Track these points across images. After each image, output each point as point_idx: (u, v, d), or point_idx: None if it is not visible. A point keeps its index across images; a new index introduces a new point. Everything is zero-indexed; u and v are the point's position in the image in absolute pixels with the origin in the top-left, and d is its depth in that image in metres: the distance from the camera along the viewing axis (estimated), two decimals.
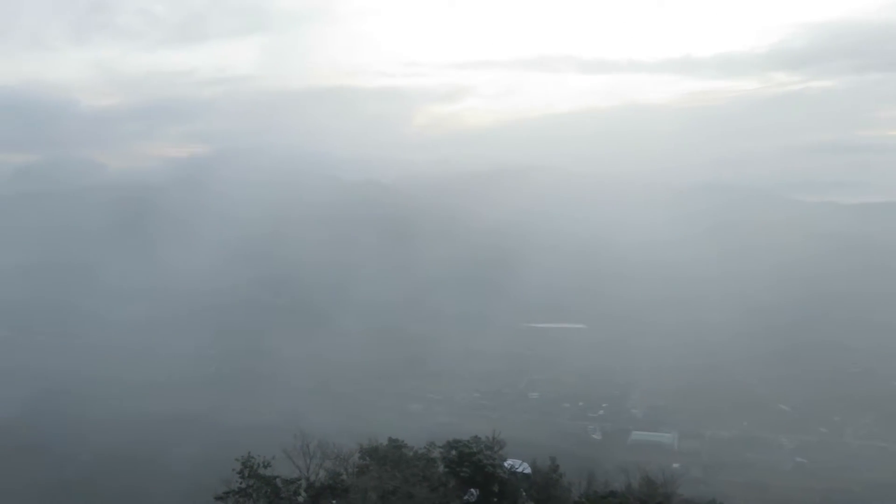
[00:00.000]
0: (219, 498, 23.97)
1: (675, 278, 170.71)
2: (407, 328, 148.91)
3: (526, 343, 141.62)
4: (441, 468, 26.82)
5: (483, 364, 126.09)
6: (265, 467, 24.48)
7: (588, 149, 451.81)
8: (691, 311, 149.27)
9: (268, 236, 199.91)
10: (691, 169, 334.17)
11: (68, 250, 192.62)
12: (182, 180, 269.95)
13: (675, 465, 70.46)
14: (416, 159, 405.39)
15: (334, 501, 24.87)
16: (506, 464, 28.20)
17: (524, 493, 28.76)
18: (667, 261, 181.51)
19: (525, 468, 29.24)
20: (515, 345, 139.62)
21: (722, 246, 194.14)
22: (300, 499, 25.08)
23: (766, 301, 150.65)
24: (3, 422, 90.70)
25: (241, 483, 24.08)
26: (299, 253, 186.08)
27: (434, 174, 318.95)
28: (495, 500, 27.74)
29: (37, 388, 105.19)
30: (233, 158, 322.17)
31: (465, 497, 27.00)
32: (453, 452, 27.27)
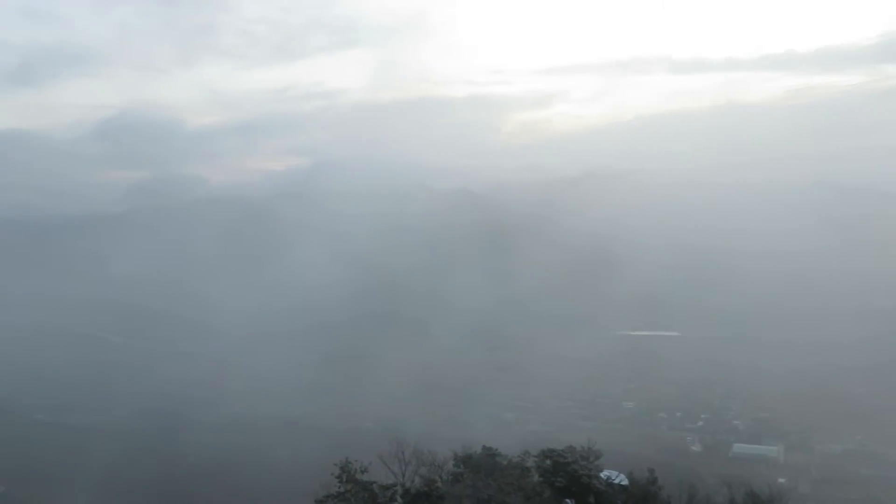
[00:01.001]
0: (318, 501, 24.49)
1: (781, 283, 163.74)
2: (502, 335, 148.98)
3: (622, 350, 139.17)
4: (535, 477, 26.55)
5: (578, 371, 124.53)
6: (362, 472, 24.90)
7: (683, 151, 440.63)
8: (800, 317, 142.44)
9: (366, 245, 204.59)
10: (797, 168, 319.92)
11: (179, 261, 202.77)
12: (281, 192, 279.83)
13: (782, 480, 67.60)
14: (506, 166, 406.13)
15: None
16: (602, 474, 27.64)
17: None
18: (772, 265, 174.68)
19: (622, 479, 28.57)
20: (611, 352, 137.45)
21: (834, 248, 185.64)
22: None
23: (884, 305, 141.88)
24: (117, 423, 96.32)
25: (339, 487, 24.56)
26: (398, 261, 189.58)
27: (525, 181, 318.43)
28: None
29: (149, 393, 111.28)
30: (329, 170, 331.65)
31: None
32: (548, 462, 26.93)
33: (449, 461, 27.89)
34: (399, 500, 26.12)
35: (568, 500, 27.45)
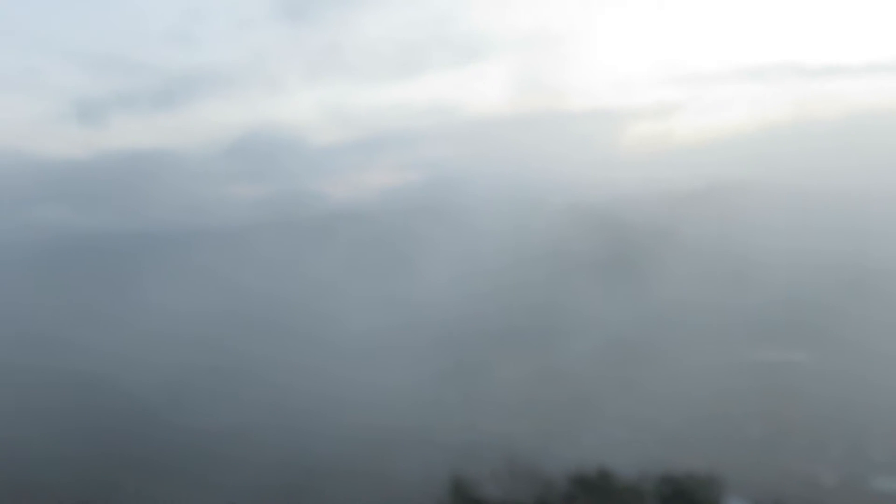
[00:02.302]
0: None
1: None
2: (623, 351, 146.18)
3: (749, 371, 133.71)
4: (651, 503, 25.69)
5: (701, 392, 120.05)
6: (475, 488, 24.87)
7: (816, 161, 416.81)
8: None
9: (486, 259, 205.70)
10: None
11: (300, 275, 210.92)
12: (401, 208, 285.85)
13: None
14: (628, 179, 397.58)
15: None
16: None
17: None
18: None
19: None
20: (738, 372, 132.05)
21: None
22: None
23: None
24: (243, 429, 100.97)
25: (451, 502, 24.66)
26: (518, 275, 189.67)
27: (648, 194, 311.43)
28: None
29: (272, 401, 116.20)
30: (449, 185, 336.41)
31: None
32: (668, 487, 26.04)
33: (562, 480, 27.39)
34: None
35: None
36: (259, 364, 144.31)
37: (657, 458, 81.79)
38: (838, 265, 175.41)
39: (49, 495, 70.81)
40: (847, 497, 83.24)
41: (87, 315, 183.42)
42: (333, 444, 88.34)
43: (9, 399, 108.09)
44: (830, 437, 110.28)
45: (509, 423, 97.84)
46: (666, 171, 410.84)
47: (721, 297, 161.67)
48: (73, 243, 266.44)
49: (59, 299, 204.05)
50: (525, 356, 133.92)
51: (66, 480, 76.30)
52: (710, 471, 26.42)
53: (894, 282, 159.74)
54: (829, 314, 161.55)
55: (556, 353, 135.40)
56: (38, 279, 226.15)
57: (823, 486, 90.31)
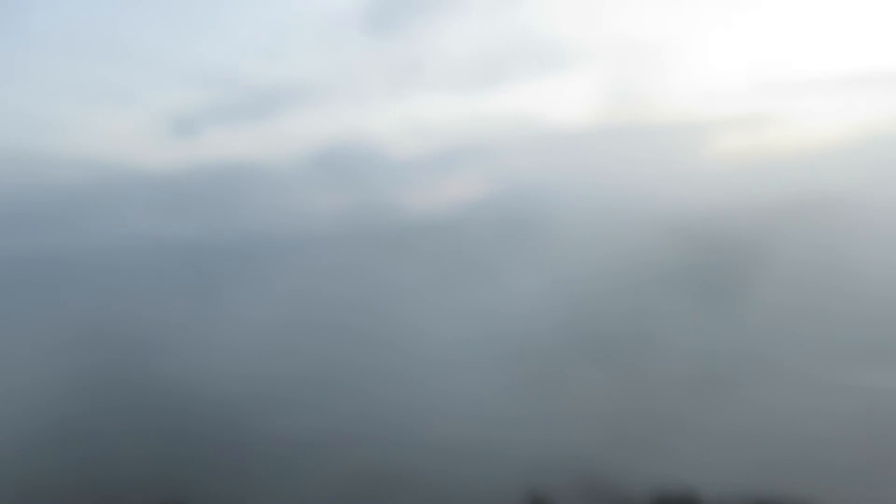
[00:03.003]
0: None
1: None
2: (712, 369, 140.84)
3: (845, 398, 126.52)
4: None
5: (790, 415, 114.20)
6: (550, 503, 23.63)
7: None
8: None
9: (570, 273, 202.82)
10: None
11: (382, 284, 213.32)
12: (483, 219, 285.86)
13: None
14: (719, 192, 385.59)
15: None
16: None
17: None
18: None
19: None
20: (832, 396, 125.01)
21: None
22: None
23: None
24: (311, 436, 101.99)
25: None
26: (602, 289, 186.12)
27: (740, 207, 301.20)
28: None
29: (354, 411, 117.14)
30: (531, 197, 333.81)
31: None
32: None
33: (643, 498, 25.79)
34: None
35: None
36: (340, 373, 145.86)
37: (745, 481, 77.92)
38: None
39: (133, 492, 73.24)
40: None
41: (176, 321, 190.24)
42: (409, 454, 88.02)
43: (97, 399, 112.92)
44: None
45: (589, 438, 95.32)
46: (759, 183, 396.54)
47: (816, 315, 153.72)
48: (166, 252, 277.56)
49: (151, 306, 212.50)
50: (608, 370, 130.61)
51: (148, 479, 78.83)
52: (801, 497, 24.28)
53: None
54: None
55: (640, 368, 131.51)
56: (133, 286, 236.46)
57: None
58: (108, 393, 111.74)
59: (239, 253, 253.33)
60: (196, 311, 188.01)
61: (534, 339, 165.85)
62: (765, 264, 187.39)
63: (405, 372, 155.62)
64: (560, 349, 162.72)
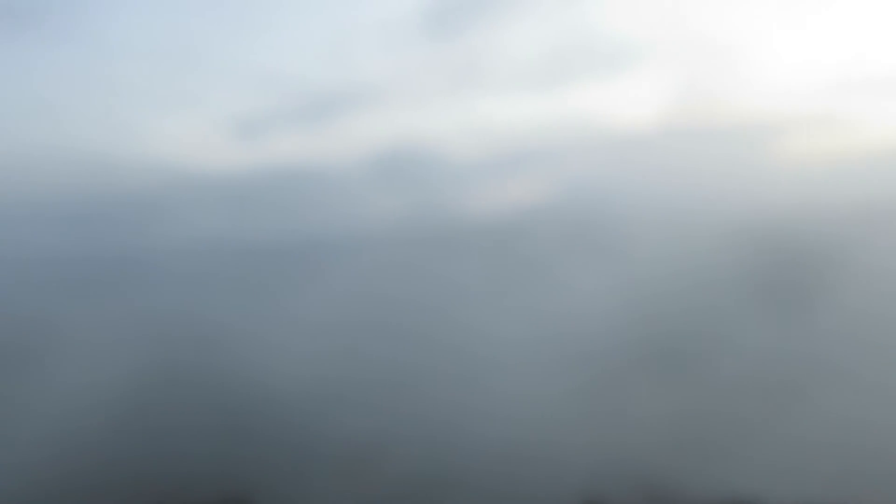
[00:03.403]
0: None
1: None
2: (782, 375, 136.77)
3: None
4: None
5: (865, 425, 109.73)
6: None
7: None
8: None
9: (635, 276, 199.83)
10: None
11: (442, 286, 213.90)
12: (545, 222, 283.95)
13: None
14: (792, 196, 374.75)
15: None
16: None
17: None
18: None
19: None
20: None
21: None
22: None
23: None
24: (368, 437, 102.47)
25: None
26: (668, 293, 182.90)
27: (814, 211, 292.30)
28: None
29: (413, 412, 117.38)
30: (593, 200, 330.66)
31: None
32: None
33: None
34: None
35: None
36: (399, 374, 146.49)
37: (812, 489, 75.13)
38: None
39: (195, 488, 74.97)
40: None
41: (240, 323, 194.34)
42: (465, 457, 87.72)
43: (163, 397, 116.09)
44: None
45: (650, 443, 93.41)
46: (831, 185, 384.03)
47: (889, 322, 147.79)
48: (231, 254, 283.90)
49: (216, 307, 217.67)
50: (672, 373, 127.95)
51: (210, 476, 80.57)
52: None
53: None
54: None
55: (705, 373, 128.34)
56: (200, 287, 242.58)
57: None
58: (173, 392, 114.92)
59: (301, 255, 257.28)
60: (260, 313, 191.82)
61: (596, 341, 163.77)
62: (836, 268, 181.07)
63: (464, 373, 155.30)
64: (623, 351, 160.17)
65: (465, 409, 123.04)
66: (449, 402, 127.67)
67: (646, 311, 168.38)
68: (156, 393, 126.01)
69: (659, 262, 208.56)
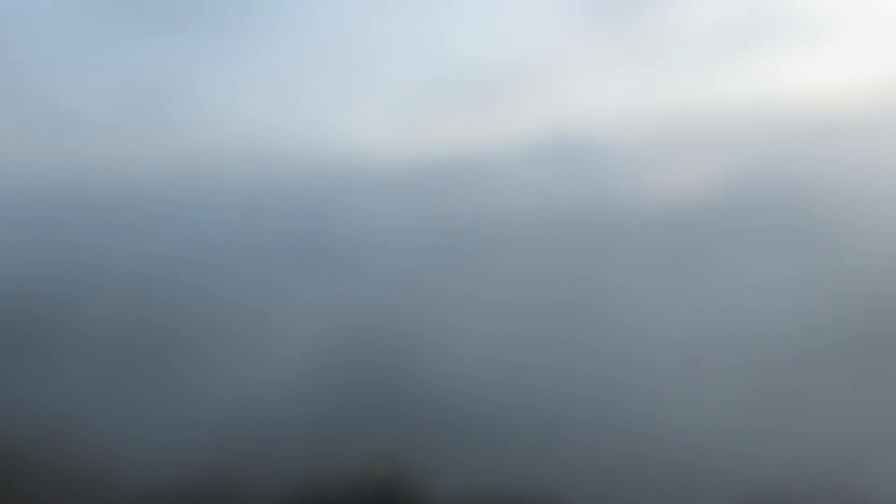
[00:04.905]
0: None
1: None
2: None
3: None
4: None
5: None
6: None
7: None
8: None
9: (831, 271, 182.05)
10: None
11: (606, 285, 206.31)
12: (720, 213, 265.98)
13: None
14: None
15: None
16: None
17: None
18: None
19: None
20: None
21: None
22: None
23: None
24: (534, 426, 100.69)
25: None
26: (877, 290, 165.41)
27: None
28: None
29: (565, 415, 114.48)
30: (778, 186, 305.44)
31: None
32: None
33: None
34: None
35: None
36: (560, 384, 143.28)
37: None
38: None
39: (363, 469, 76.18)
40: None
41: (420, 307, 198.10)
42: (631, 462, 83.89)
43: (338, 379, 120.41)
44: None
45: (835, 457, 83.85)
46: None
47: None
48: (400, 240, 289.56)
49: (392, 292, 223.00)
50: (870, 382, 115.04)
51: (377, 456, 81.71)
52: None
53: None
54: None
55: None
56: (374, 274, 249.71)
57: None
58: (347, 373, 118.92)
59: (465, 241, 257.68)
60: (434, 294, 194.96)
61: (783, 344, 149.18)
62: None
63: (632, 377, 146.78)
64: (814, 356, 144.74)
65: (632, 414, 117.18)
66: (616, 407, 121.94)
67: (845, 311, 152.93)
68: (331, 374, 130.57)
69: (862, 256, 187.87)
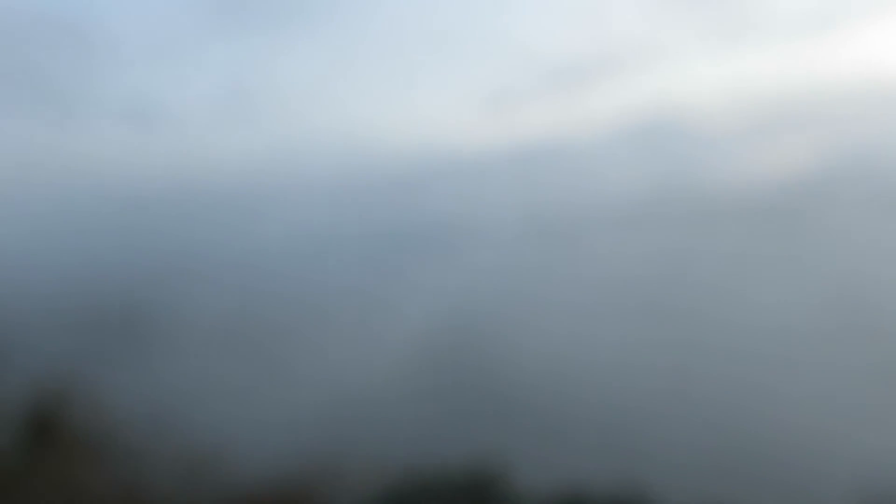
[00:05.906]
0: None
1: None
2: None
3: None
4: None
5: None
6: None
7: None
8: None
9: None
10: None
11: (701, 261, 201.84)
12: (819, 194, 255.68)
13: None
14: None
15: None
16: None
17: None
18: None
19: None
20: None
21: None
22: None
23: None
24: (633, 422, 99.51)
25: None
26: None
27: None
28: None
29: (670, 413, 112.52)
30: (881, 166, 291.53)
31: None
32: None
33: None
34: None
35: None
36: (670, 381, 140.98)
37: None
38: None
39: (452, 469, 77.00)
40: None
41: (508, 304, 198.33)
42: (742, 449, 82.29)
43: (428, 380, 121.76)
44: None
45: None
46: None
47: None
48: (488, 233, 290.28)
49: (485, 287, 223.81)
50: None
51: (465, 458, 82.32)
52: None
53: None
54: None
55: None
56: (465, 267, 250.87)
57: None
58: (437, 375, 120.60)
59: (558, 232, 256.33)
60: (523, 294, 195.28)
61: (890, 332, 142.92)
62: None
63: (732, 369, 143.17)
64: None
65: (742, 407, 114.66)
66: (723, 403, 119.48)
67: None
68: (433, 359, 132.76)
69: None
